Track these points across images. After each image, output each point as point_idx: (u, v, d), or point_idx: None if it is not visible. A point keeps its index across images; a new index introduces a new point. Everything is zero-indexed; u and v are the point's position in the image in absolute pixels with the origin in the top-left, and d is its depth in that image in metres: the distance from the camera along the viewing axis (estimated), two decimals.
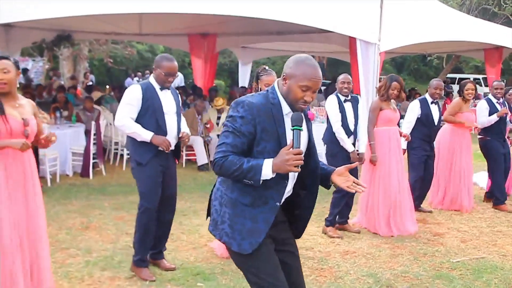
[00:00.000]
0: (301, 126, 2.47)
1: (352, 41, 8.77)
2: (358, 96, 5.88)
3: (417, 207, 6.47)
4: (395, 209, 5.73)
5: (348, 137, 5.54)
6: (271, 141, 2.56)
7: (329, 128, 5.63)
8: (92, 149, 8.26)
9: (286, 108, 2.61)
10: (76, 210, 6.30)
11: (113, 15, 8.62)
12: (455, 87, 19.48)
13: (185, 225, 5.81)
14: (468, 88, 6.61)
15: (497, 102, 6.96)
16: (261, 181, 2.49)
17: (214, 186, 2.79)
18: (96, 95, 12.12)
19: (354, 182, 2.69)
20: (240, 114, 2.53)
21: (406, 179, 6.03)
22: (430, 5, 10.80)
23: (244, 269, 2.70)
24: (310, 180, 2.74)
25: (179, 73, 21.82)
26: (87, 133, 8.43)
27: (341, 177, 2.72)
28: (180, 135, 4.38)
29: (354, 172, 5.56)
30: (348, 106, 5.60)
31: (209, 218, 2.78)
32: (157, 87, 4.29)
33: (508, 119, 7.08)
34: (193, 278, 4.30)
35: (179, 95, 4.62)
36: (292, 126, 2.46)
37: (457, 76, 28.08)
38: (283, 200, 2.69)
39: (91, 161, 8.21)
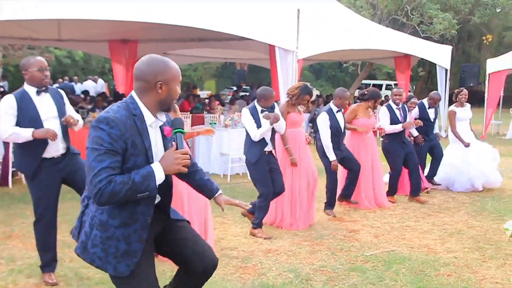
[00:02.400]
0: (183, 129, 2.54)
1: (271, 48, 9.10)
2: (275, 103, 6.03)
3: (333, 206, 6.80)
4: (308, 206, 6.17)
5: (265, 146, 5.75)
6: (140, 155, 2.49)
7: (247, 139, 5.82)
8: (11, 157, 8.01)
9: (149, 119, 2.56)
10: None
11: (30, 20, 8.43)
12: None
13: (74, 250, 5.80)
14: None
15: (396, 108, 7.54)
16: (156, 188, 2.45)
17: (84, 200, 2.67)
18: None
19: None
20: (107, 131, 2.39)
21: (316, 176, 6.34)
22: (344, 15, 11.38)
23: None
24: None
25: (99, 79, 21.45)
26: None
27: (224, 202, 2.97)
28: (62, 119, 4.16)
29: (276, 171, 5.86)
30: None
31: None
32: (32, 93, 4.09)
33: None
34: None
35: (63, 95, 4.38)
36: (175, 129, 2.55)
37: (371, 82, 29.45)
38: (151, 215, 2.63)
39: (10, 169, 7.97)
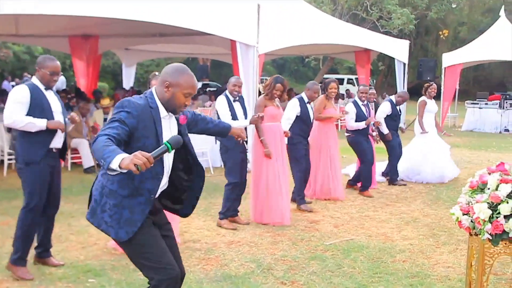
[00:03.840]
0: (172, 149, 2.59)
1: (232, 43, 9.17)
2: (243, 96, 6.21)
3: (303, 198, 6.94)
4: (285, 200, 6.22)
5: None
6: (150, 137, 2.80)
7: None
8: None
9: (163, 112, 2.89)
10: None
11: None
12: None
13: (73, 226, 5.83)
14: (332, 87, 7.20)
15: (362, 105, 7.79)
16: (108, 166, 2.45)
17: (96, 178, 2.97)
18: None
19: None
20: (126, 109, 2.74)
21: (288, 172, 6.48)
22: (305, 10, 11.54)
23: (131, 255, 2.92)
24: (194, 171, 3.14)
25: (61, 75, 21.11)
26: None
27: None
28: (68, 117, 4.50)
29: (244, 163, 6.00)
30: (237, 106, 5.96)
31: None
32: (42, 87, 4.35)
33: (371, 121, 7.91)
34: (84, 275, 4.41)
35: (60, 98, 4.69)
36: (167, 141, 2.58)
37: (333, 76, 29.78)
38: (158, 193, 2.96)
39: None
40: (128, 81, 16.49)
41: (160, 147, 2.58)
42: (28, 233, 4.33)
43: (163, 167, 2.91)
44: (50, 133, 4.34)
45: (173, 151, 2.76)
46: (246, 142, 6.00)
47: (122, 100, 2.82)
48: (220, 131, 3.67)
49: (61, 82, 20.26)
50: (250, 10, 9.00)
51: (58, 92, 13.13)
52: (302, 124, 6.76)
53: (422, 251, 5.24)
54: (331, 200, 7.33)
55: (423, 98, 8.72)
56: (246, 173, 6.09)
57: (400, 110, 8.72)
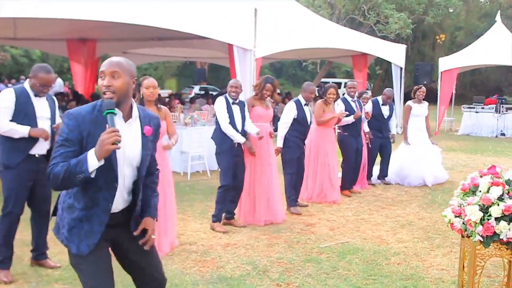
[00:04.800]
0: (113, 110, 2.60)
1: (230, 47, 9.23)
2: (244, 101, 6.23)
3: (295, 201, 7.00)
4: (274, 200, 6.31)
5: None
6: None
7: (218, 127, 5.99)
8: None
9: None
10: None
11: None
12: None
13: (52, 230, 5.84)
14: (330, 93, 7.24)
15: (351, 101, 7.90)
16: (91, 172, 2.51)
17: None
18: None
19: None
20: (65, 123, 2.66)
21: (276, 174, 6.52)
22: (302, 15, 11.60)
23: (80, 271, 2.79)
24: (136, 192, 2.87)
25: (57, 79, 21.11)
26: None
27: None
28: (54, 126, 4.45)
29: (242, 172, 6.02)
30: (235, 109, 5.98)
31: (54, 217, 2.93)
32: (31, 93, 4.33)
33: (363, 116, 8.06)
34: None
35: (55, 101, 4.66)
36: (104, 112, 2.60)
37: (331, 80, 29.85)
38: (120, 206, 2.80)
39: None
40: None
41: (108, 120, 2.56)
42: (6, 238, 4.35)
43: (116, 172, 2.71)
44: (31, 140, 4.30)
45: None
46: (241, 146, 6.02)
47: (66, 112, 2.72)
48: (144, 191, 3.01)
49: (58, 85, 20.29)
50: (247, 14, 9.07)
51: (55, 95, 13.21)
52: (299, 127, 6.80)
53: (416, 254, 5.28)
54: (327, 203, 7.37)
55: (409, 102, 8.79)
56: (243, 177, 6.11)
57: (391, 110, 8.79)
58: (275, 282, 4.47)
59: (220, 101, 5.99)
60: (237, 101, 6.01)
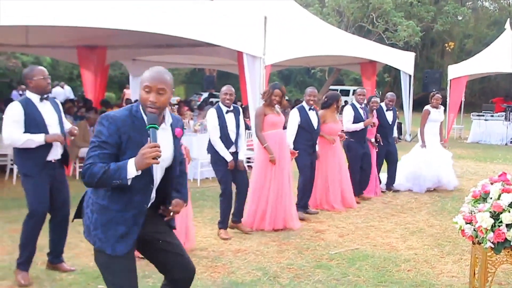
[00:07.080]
0: (156, 125, 2.69)
1: (239, 54, 9.29)
2: (239, 107, 6.25)
3: (306, 207, 7.02)
4: (286, 206, 6.29)
5: (230, 147, 5.93)
6: (136, 149, 2.69)
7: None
8: None
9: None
10: None
11: None
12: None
13: (83, 233, 5.89)
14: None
15: (360, 107, 7.93)
16: (128, 180, 2.64)
17: (85, 193, 2.96)
18: None
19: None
20: (105, 126, 2.71)
21: (292, 179, 6.54)
22: (311, 22, 11.67)
23: (110, 271, 2.88)
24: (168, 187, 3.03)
25: (66, 86, 21.25)
26: None
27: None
28: (68, 130, 4.62)
29: (243, 177, 6.05)
30: (229, 117, 5.94)
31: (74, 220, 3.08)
32: (36, 100, 4.40)
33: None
34: (93, 281, 4.48)
35: (59, 105, 4.71)
36: (147, 126, 2.70)
37: (339, 87, 29.87)
38: (149, 204, 2.92)
39: None
40: (135, 91, 16.60)
41: (151, 134, 2.66)
42: (28, 240, 4.43)
43: (152, 176, 2.85)
44: (46, 147, 4.40)
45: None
46: (235, 154, 6.04)
47: (102, 115, 2.78)
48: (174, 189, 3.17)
49: (68, 91, 20.45)
50: (257, 22, 9.13)
51: (66, 101, 13.32)
52: (305, 133, 6.82)
53: (426, 261, 5.28)
54: (336, 210, 7.37)
55: (427, 107, 8.81)
56: (244, 182, 6.12)
57: (394, 116, 8.82)
58: None
59: (211, 114, 5.94)
60: (231, 108, 5.97)
